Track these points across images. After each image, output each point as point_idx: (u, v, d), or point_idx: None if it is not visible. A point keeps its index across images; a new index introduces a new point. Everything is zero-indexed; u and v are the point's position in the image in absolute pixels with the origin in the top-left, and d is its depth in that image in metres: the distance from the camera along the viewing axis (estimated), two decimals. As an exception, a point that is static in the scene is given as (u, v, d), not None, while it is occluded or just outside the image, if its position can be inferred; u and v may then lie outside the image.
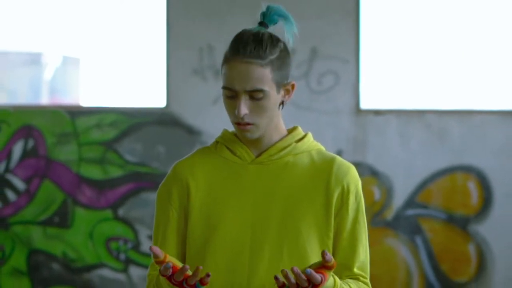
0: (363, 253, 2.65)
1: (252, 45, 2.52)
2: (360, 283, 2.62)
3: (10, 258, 7.37)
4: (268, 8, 2.61)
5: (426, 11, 7.69)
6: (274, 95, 2.56)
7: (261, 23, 2.61)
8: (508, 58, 7.67)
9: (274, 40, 2.56)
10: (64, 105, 7.66)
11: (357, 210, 2.65)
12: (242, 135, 2.62)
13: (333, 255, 2.62)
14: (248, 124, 2.55)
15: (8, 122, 7.36)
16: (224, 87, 2.56)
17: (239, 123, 2.56)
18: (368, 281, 2.65)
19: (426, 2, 7.70)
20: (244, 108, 2.53)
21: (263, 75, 2.51)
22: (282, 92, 2.60)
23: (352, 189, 2.63)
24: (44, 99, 10.08)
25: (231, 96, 2.55)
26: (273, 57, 2.53)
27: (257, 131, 2.58)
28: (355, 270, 2.63)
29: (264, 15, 2.61)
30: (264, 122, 2.57)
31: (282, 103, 2.61)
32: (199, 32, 7.35)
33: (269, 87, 2.54)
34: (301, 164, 2.64)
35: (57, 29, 8.67)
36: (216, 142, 2.71)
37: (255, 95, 2.52)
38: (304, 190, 2.61)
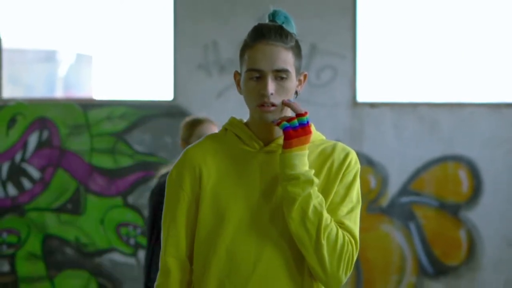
0: (352, 216, 2.55)
1: (275, 30, 2.51)
2: (340, 229, 2.50)
3: (26, 243, 7.33)
4: (275, 11, 2.61)
5: (419, 10, 7.66)
6: (294, 80, 2.53)
7: (272, 21, 2.59)
8: (497, 54, 7.64)
9: (291, 32, 2.56)
10: (77, 98, 7.59)
11: (352, 183, 2.57)
12: (262, 118, 2.53)
13: None
14: (273, 105, 2.50)
15: (24, 115, 7.34)
16: (249, 69, 2.50)
17: (263, 104, 2.50)
18: (350, 237, 2.51)
19: (419, 4, 7.64)
20: (271, 86, 2.48)
21: (287, 56, 2.50)
22: (297, 81, 2.56)
23: (351, 168, 2.58)
24: (59, 94, 10.00)
25: (256, 77, 2.50)
26: (292, 44, 2.53)
27: (277, 113, 2.52)
28: (338, 217, 2.53)
29: (273, 15, 2.60)
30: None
31: (296, 92, 2.57)
32: (204, 30, 7.32)
33: (291, 70, 2.51)
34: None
35: (71, 28, 8.61)
36: (225, 129, 2.64)
37: (281, 74, 2.49)
38: None
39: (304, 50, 7.84)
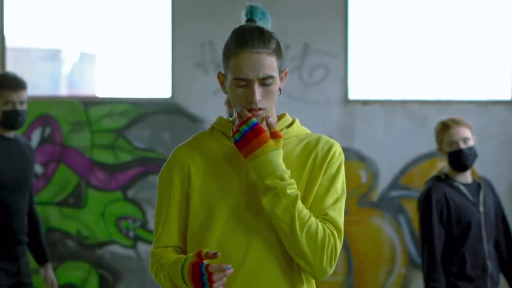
0: (337, 207, 2.53)
1: (258, 36, 2.48)
2: (320, 223, 2.48)
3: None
4: (252, 7, 2.60)
5: (409, 10, 7.66)
6: (278, 81, 2.53)
7: (250, 20, 2.58)
8: (483, 53, 7.63)
9: (271, 32, 2.54)
10: (79, 96, 7.55)
11: (336, 174, 2.55)
12: None
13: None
14: (260, 109, 2.49)
15: (27, 112, 7.27)
16: (236, 78, 2.48)
17: (251, 109, 2.49)
18: (332, 229, 2.49)
19: (408, 4, 7.60)
20: (258, 93, 2.47)
21: (271, 62, 2.49)
22: (279, 80, 2.55)
23: (334, 160, 2.56)
24: (63, 92, 9.96)
25: (242, 85, 2.49)
26: (274, 46, 2.51)
27: (265, 114, 2.52)
28: (323, 208, 2.52)
29: (251, 13, 2.59)
30: (271, 106, 2.53)
31: (279, 89, 2.56)
32: (201, 29, 7.30)
33: (276, 74, 2.50)
34: (291, 146, 2.58)
35: (75, 27, 8.57)
36: (212, 128, 2.64)
37: (267, 81, 2.49)
38: (293, 170, 2.52)
39: (297, 49, 7.82)
